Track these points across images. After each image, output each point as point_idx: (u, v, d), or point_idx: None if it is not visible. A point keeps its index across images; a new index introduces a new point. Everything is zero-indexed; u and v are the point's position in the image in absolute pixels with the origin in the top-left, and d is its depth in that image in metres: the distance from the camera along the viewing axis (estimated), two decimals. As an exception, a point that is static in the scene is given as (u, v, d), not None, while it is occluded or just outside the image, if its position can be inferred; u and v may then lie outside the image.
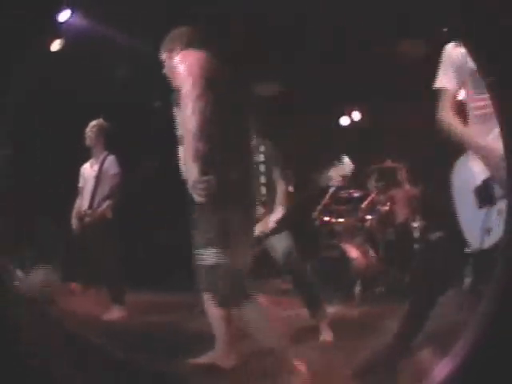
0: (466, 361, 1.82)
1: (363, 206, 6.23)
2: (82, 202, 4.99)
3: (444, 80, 2.85)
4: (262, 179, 4.38)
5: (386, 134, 6.89)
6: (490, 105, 2.61)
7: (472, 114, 2.78)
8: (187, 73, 2.85)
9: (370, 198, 6.23)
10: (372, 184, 6.39)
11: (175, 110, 3.09)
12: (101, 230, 4.82)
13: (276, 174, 4.31)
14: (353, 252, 5.71)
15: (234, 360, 2.99)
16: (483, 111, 2.69)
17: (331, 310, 4.29)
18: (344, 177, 4.28)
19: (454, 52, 2.85)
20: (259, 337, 2.90)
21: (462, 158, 2.76)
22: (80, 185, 5.10)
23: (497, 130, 2.52)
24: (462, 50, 2.81)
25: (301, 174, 4.68)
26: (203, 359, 2.96)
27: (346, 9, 5.36)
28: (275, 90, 6.83)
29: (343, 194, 6.48)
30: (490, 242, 2.52)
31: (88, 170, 5.10)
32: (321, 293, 4.16)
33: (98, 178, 4.97)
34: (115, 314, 4.59)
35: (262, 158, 4.43)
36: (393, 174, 6.42)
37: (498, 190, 2.56)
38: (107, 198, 4.95)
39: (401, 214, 6.03)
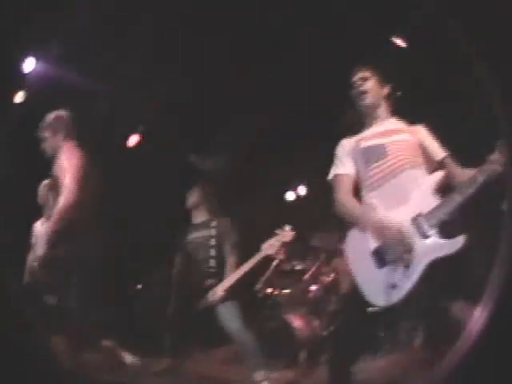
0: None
1: (306, 277, 6.37)
2: (34, 258, 4.96)
3: (340, 167, 3.17)
4: (213, 252, 4.61)
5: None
6: (380, 171, 2.98)
7: (365, 185, 3.08)
8: (66, 168, 3.49)
9: (312, 270, 6.39)
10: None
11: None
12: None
13: (227, 247, 4.60)
14: (296, 322, 5.80)
15: None
16: (374, 179, 3.01)
17: (275, 375, 4.36)
18: (285, 244, 4.54)
19: (346, 143, 3.21)
20: None
21: None
22: (32, 241, 5.10)
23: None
24: (354, 139, 3.20)
25: (249, 247, 4.85)
26: None
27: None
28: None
29: (286, 266, 6.65)
30: (397, 296, 2.67)
31: (39, 227, 5.12)
32: (265, 360, 4.32)
33: None
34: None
35: (213, 232, 4.69)
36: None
37: (397, 250, 2.75)
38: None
39: (344, 283, 6.17)
